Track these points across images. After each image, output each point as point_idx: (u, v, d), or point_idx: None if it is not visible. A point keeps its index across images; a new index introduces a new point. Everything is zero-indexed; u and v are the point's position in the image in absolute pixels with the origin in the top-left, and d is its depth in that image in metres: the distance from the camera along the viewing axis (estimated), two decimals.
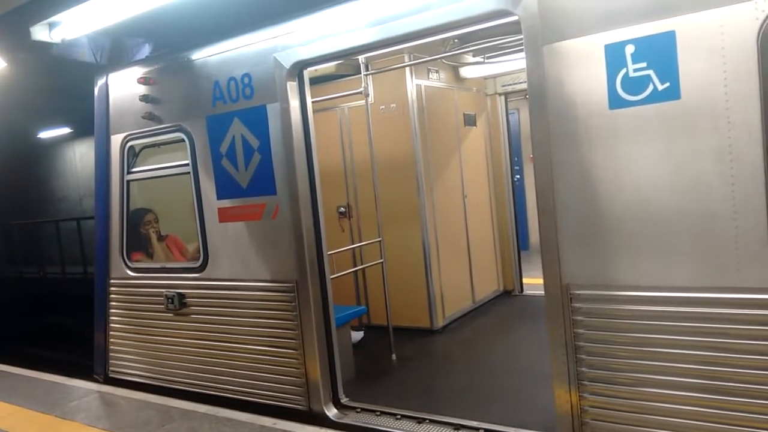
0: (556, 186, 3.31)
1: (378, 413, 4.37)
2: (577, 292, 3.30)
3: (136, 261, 5.59)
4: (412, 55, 6.08)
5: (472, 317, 6.97)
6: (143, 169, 5.43)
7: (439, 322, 6.52)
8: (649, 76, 3.01)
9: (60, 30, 5.28)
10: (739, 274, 2.89)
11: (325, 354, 4.50)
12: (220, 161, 4.80)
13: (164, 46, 5.59)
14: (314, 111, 4.58)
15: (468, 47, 5.93)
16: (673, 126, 2.97)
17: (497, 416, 4.09)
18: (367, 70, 5.67)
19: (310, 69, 4.49)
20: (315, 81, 5.42)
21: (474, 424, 4.00)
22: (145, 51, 5.95)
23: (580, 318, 3.31)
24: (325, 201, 4.63)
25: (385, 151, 6.28)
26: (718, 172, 2.89)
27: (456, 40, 5.84)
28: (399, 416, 4.27)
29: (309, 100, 4.48)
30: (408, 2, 3.80)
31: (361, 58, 5.40)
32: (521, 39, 3.45)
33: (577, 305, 3.31)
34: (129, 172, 5.48)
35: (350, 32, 4.04)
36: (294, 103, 4.40)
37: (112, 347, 5.77)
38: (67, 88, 7.53)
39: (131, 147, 5.44)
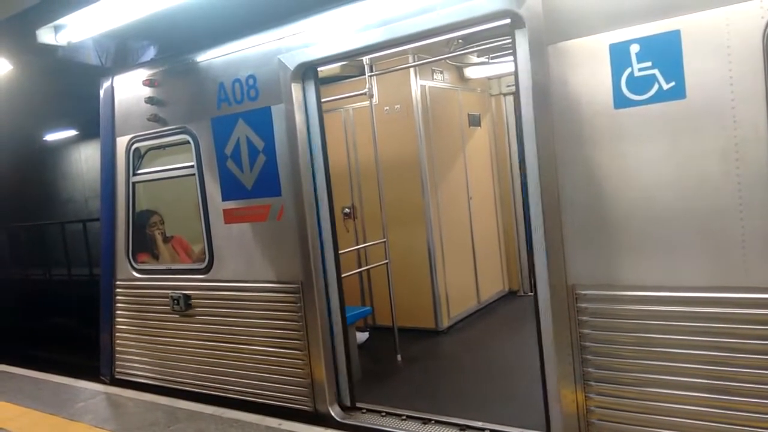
0: (560, 186, 3.30)
1: (383, 414, 4.37)
2: (583, 292, 3.30)
3: (142, 262, 5.61)
4: (416, 56, 6.08)
5: (477, 318, 6.96)
6: (149, 170, 5.45)
7: (444, 323, 6.52)
8: (654, 75, 3.00)
9: (66, 33, 5.31)
10: (745, 274, 2.88)
11: (330, 355, 4.50)
12: (225, 163, 4.81)
13: (169, 48, 5.62)
14: None
15: (472, 47, 5.93)
16: (679, 125, 2.96)
17: (503, 417, 4.08)
18: (371, 71, 5.67)
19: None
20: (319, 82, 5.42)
21: (479, 424, 3.99)
22: (150, 53, 5.98)
23: (585, 318, 3.30)
24: None
25: (389, 151, 6.28)
26: (724, 171, 2.88)
27: (460, 41, 5.84)
28: (404, 417, 4.27)
29: (314, 100, 4.46)
30: (412, 3, 3.80)
31: (366, 59, 5.41)
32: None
33: (583, 305, 3.30)
34: (134, 174, 5.50)
35: (354, 33, 4.04)
36: (298, 104, 4.40)
37: (118, 348, 5.79)
38: (72, 90, 7.57)
39: (137, 149, 5.47)
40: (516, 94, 3.61)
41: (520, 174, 7.51)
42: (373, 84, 5.74)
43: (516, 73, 3.53)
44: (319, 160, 4.47)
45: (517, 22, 3.42)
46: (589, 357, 3.31)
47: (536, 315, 3.59)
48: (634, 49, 3.04)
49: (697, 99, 2.91)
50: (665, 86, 2.98)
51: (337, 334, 4.54)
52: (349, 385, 4.55)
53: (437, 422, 4.15)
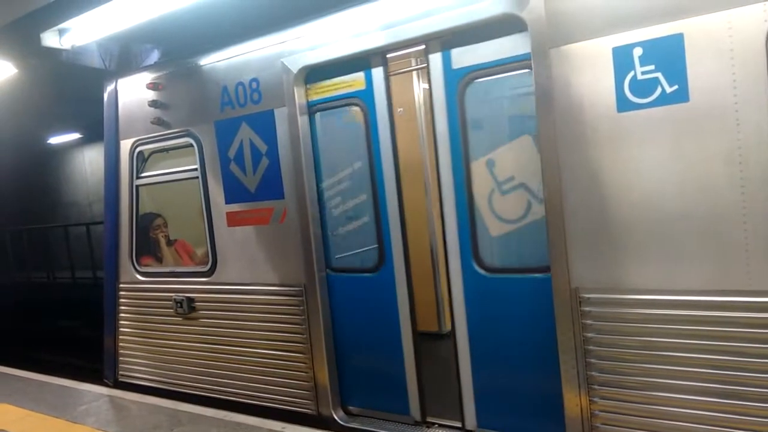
0: (563, 189, 3.30)
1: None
2: (586, 295, 3.29)
3: (146, 265, 5.62)
4: (418, 59, 6.07)
5: None
6: (152, 174, 5.46)
7: (447, 326, 6.48)
8: (657, 78, 3.00)
9: (70, 36, 5.33)
10: (749, 277, 2.87)
11: (333, 358, 4.50)
12: (228, 166, 4.82)
13: (173, 51, 5.64)
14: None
15: None
16: (682, 128, 2.96)
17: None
18: None
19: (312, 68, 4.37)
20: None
21: (483, 429, 3.98)
22: (154, 57, 5.99)
23: (589, 322, 3.29)
24: None
25: None
26: (728, 175, 2.88)
27: None
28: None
29: (383, 91, 4.16)
30: (415, 7, 3.81)
31: None
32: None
33: (587, 309, 3.30)
34: (138, 177, 5.52)
35: (357, 36, 4.05)
36: (301, 107, 4.40)
37: (121, 351, 5.79)
38: (76, 93, 7.59)
39: (140, 152, 5.48)
40: (432, 115, 3.90)
41: None
42: None
43: (431, 96, 3.86)
44: (387, 153, 4.21)
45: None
46: (593, 361, 3.30)
47: (450, 305, 3.85)
48: (637, 52, 3.04)
49: (700, 102, 2.91)
50: (668, 89, 2.98)
51: (406, 337, 4.23)
52: (420, 397, 4.24)
53: (440, 426, 4.14)
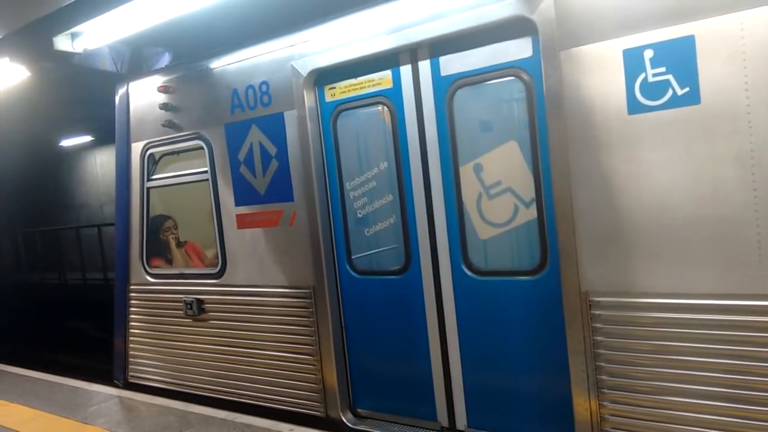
0: (573, 192, 3.29)
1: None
2: (597, 299, 3.27)
3: (156, 267, 5.65)
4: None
5: None
6: (163, 176, 5.49)
7: None
8: (668, 81, 2.98)
9: (82, 40, 5.38)
10: (762, 281, 2.85)
11: (342, 360, 4.50)
12: (238, 168, 4.84)
13: (183, 55, 5.67)
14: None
15: None
16: (693, 131, 2.94)
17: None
18: None
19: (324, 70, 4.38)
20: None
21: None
22: (165, 60, 6.03)
23: (599, 325, 3.28)
24: None
25: None
26: (740, 178, 2.85)
27: None
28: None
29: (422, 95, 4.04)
30: (424, 10, 3.81)
31: None
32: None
33: (597, 312, 3.28)
34: (149, 180, 5.55)
35: (366, 40, 4.06)
36: (311, 110, 4.41)
37: (131, 352, 5.82)
38: (88, 96, 7.66)
39: (151, 155, 5.51)
40: (419, 119, 3.98)
41: None
42: None
43: (420, 102, 3.92)
44: (415, 152, 4.10)
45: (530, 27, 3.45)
46: (602, 364, 3.28)
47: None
48: (648, 54, 3.02)
49: (711, 104, 2.89)
50: (679, 92, 2.96)
51: (433, 340, 4.09)
52: (447, 403, 4.11)
53: (450, 429, 4.13)
